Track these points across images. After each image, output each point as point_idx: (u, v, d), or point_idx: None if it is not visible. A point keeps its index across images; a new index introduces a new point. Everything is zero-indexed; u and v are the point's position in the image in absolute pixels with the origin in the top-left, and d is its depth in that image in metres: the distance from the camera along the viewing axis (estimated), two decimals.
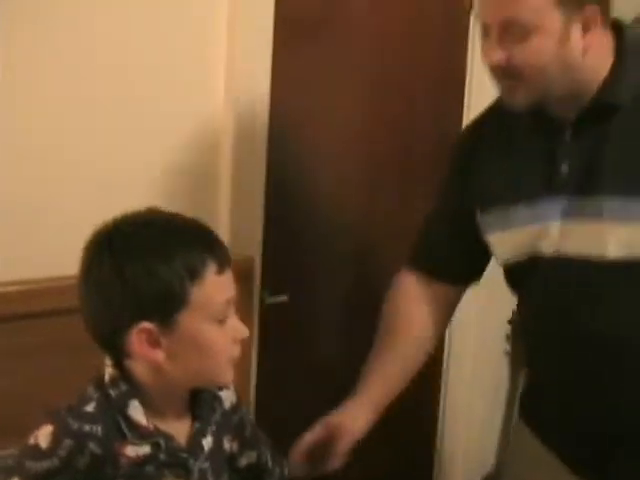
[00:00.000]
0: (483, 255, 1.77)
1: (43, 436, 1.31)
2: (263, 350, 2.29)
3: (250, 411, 2.14)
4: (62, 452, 1.30)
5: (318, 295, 2.47)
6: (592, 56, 1.53)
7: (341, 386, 2.51)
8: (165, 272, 1.30)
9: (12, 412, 1.69)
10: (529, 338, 1.79)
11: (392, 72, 2.51)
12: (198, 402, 1.44)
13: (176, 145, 2.06)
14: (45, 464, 1.30)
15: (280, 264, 2.34)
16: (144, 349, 1.32)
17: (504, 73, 1.53)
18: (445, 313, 1.88)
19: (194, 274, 1.31)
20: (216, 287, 1.34)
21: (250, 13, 2.09)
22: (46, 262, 1.83)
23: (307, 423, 2.48)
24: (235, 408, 1.53)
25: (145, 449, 1.34)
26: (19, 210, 1.84)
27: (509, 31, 1.49)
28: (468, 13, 2.57)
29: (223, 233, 2.13)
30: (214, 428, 1.45)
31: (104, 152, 1.95)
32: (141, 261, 1.30)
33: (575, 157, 1.57)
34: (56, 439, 1.30)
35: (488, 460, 2.94)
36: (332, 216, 2.46)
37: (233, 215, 2.14)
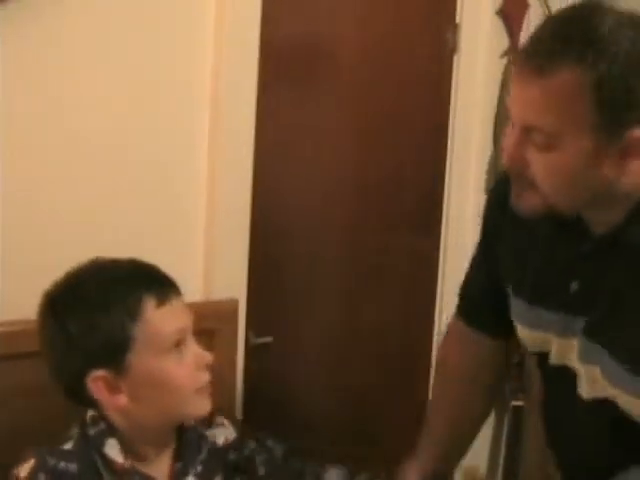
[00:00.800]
0: None
1: (24, 469, 1.36)
2: (248, 391, 2.28)
3: None
4: None
5: (303, 336, 2.47)
6: (630, 179, 1.31)
7: (327, 427, 2.52)
8: (105, 322, 1.34)
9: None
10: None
11: (377, 117, 2.52)
12: (183, 442, 1.45)
13: (159, 186, 2.06)
14: None
15: (265, 305, 2.33)
16: (105, 396, 1.36)
17: (518, 175, 1.36)
18: (498, 364, 1.80)
19: (132, 314, 1.34)
20: (160, 320, 1.36)
21: (234, 57, 2.11)
22: (33, 303, 1.83)
23: None
24: (234, 445, 1.52)
25: None
26: (7, 251, 1.84)
27: (531, 136, 1.31)
28: (451, 53, 2.61)
29: (206, 275, 2.15)
30: (199, 468, 1.44)
31: (87, 202, 1.96)
32: (81, 316, 1.35)
33: (586, 278, 1.43)
34: (33, 473, 1.34)
35: None
36: (318, 258, 2.46)
37: (219, 256, 2.14)
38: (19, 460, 1.38)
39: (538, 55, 1.29)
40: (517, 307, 1.60)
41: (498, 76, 2.68)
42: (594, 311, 1.43)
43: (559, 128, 1.28)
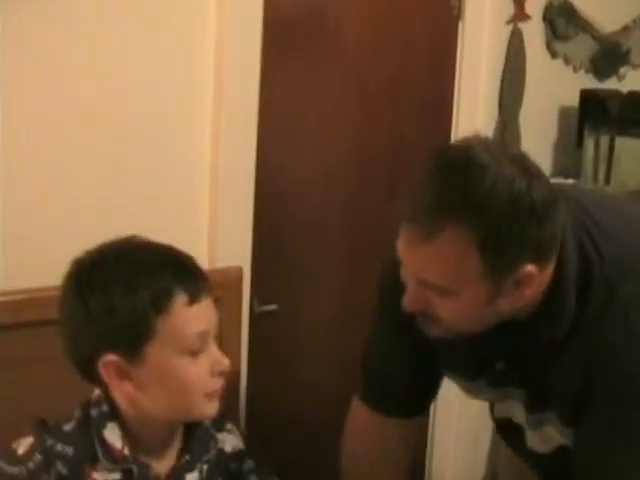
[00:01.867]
0: (438, 383, 1.69)
1: (23, 444, 1.35)
2: (253, 359, 2.29)
3: (240, 421, 2.14)
4: (31, 465, 1.32)
5: (308, 304, 2.47)
6: (523, 302, 1.35)
7: (330, 394, 2.52)
8: (126, 305, 1.28)
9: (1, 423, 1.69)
10: None
11: (381, 88, 2.50)
12: (192, 438, 1.42)
13: (164, 155, 2.06)
14: (15, 470, 1.32)
15: (270, 273, 2.33)
16: (113, 380, 1.32)
17: (422, 314, 1.39)
18: (407, 443, 1.77)
19: (159, 306, 1.29)
20: (186, 319, 1.31)
21: (238, 28, 2.09)
22: (36, 272, 1.84)
23: (297, 432, 2.48)
24: (239, 455, 1.50)
25: (115, 476, 1.34)
26: (10, 221, 1.85)
27: (426, 286, 1.33)
28: (457, 20, 2.60)
29: (211, 243, 2.15)
30: (205, 467, 1.42)
31: (91, 171, 1.96)
32: (104, 295, 1.29)
33: (509, 359, 1.47)
34: (31, 451, 1.33)
35: None
36: (322, 226, 2.46)
37: (223, 225, 2.14)
38: (20, 433, 1.36)
39: (420, 220, 1.29)
40: (457, 383, 1.64)
41: (503, 43, 2.67)
42: (527, 387, 1.48)
43: (450, 284, 1.31)
